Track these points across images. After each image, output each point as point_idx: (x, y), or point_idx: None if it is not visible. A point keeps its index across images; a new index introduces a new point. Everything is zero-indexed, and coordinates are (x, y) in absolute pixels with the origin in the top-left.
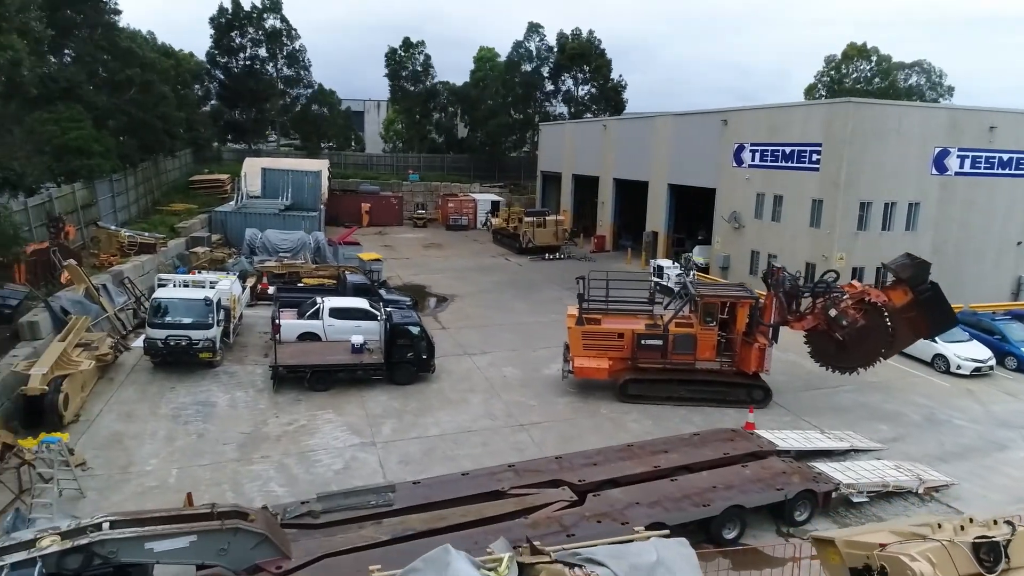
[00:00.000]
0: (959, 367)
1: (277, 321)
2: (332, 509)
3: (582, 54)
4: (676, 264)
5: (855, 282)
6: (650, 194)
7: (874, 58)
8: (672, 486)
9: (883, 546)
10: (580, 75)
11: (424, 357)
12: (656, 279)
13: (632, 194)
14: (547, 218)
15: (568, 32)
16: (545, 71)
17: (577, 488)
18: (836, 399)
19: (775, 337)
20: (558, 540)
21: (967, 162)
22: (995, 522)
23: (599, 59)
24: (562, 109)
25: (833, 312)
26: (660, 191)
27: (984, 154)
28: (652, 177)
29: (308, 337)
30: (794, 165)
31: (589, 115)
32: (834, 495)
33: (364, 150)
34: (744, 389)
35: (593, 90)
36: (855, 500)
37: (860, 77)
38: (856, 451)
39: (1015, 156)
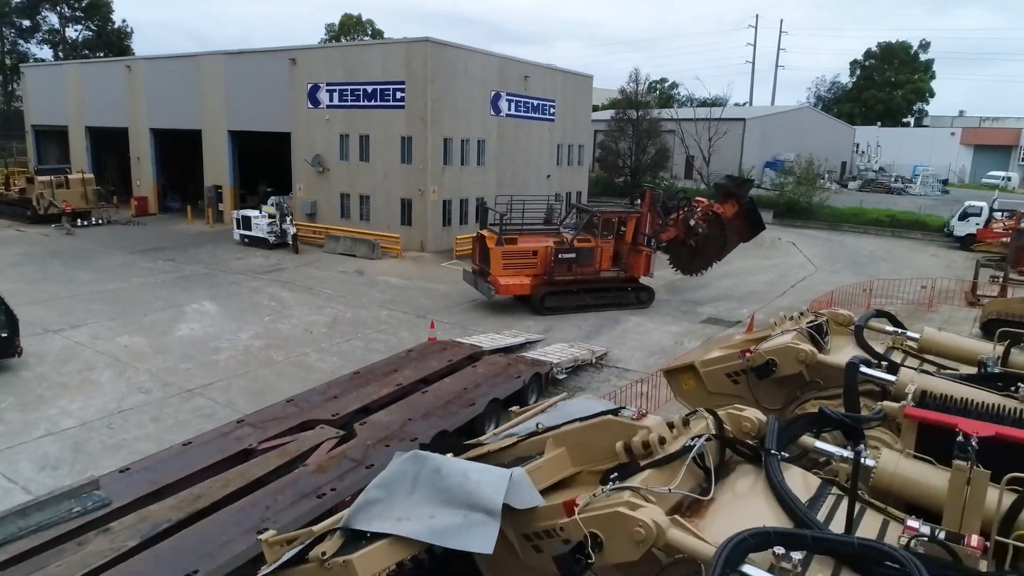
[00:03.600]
0: None
1: None
2: (19, 534)
3: None
4: (264, 213)
5: (699, 198)
6: (205, 145)
7: (369, 30)
8: (429, 397)
9: (747, 351)
10: (68, 11)
11: (4, 335)
12: (243, 231)
13: (178, 146)
14: (69, 176)
15: None
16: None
17: (334, 423)
18: (487, 312)
19: (650, 245)
20: (358, 476)
21: (512, 105)
22: (793, 316)
23: None
24: (46, 53)
25: (692, 222)
26: (219, 140)
27: (523, 99)
28: (206, 125)
29: None
30: (378, 104)
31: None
32: (549, 374)
33: None
34: (634, 292)
35: (89, 33)
36: (559, 377)
37: None
38: (530, 343)
39: (541, 102)
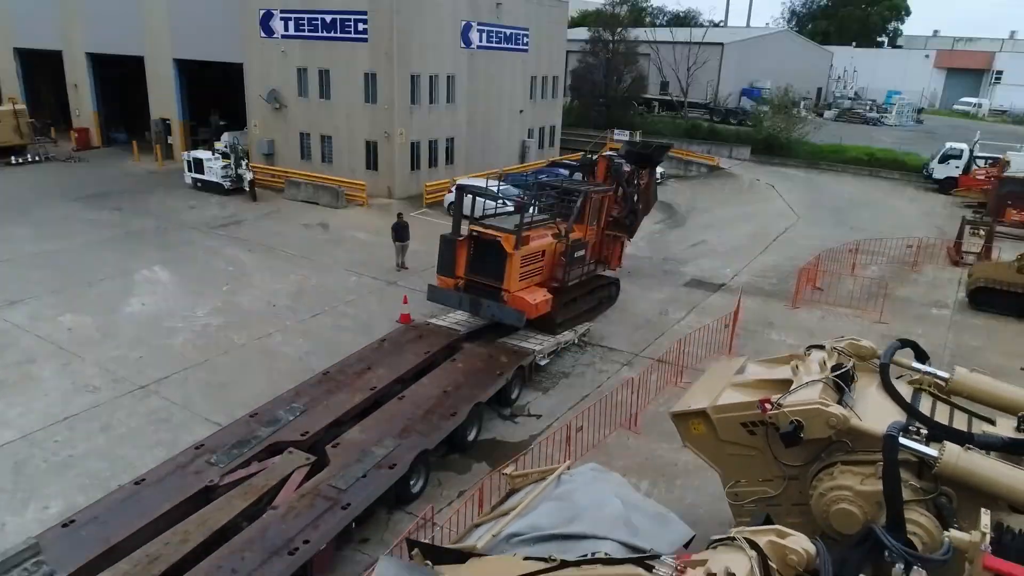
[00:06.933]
0: None
1: None
2: None
3: None
4: (217, 155)
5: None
6: (149, 73)
7: None
8: (405, 405)
9: (767, 402)
10: None
11: None
12: (196, 175)
13: (120, 73)
14: None
15: None
16: None
17: (304, 444)
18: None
19: (631, 229)
20: (334, 519)
21: (484, 36)
22: (807, 351)
23: None
24: None
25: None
26: (164, 69)
27: (495, 29)
28: (148, 51)
29: None
30: (339, 35)
31: None
32: (532, 364)
33: None
34: (606, 288)
35: None
36: (542, 364)
37: None
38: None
39: (515, 32)
